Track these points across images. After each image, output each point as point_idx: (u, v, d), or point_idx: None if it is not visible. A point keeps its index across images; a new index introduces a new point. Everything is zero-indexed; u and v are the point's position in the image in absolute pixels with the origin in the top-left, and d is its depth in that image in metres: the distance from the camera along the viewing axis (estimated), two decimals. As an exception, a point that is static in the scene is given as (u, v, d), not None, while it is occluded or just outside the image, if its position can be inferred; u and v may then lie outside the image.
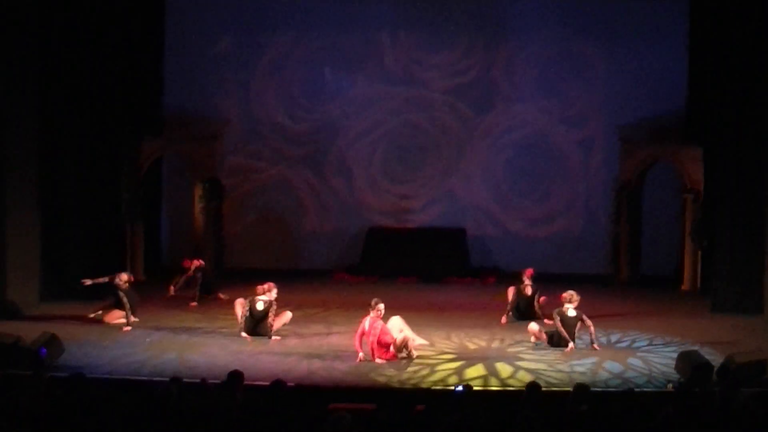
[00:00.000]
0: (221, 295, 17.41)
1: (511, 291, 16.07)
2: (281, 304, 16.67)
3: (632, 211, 19.97)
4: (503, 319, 15.83)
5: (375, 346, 13.17)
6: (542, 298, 16.03)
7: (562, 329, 14.06)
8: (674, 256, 19.97)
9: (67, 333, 14.09)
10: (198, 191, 20.29)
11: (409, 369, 12.93)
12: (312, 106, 20.90)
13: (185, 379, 10.55)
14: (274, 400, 9.18)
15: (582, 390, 9.94)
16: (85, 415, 8.34)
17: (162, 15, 19.60)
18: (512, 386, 12.11)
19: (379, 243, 20.32)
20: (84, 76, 17.13)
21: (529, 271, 16.14)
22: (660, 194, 20.29)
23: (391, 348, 13.28)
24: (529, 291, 16.03)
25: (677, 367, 12.54)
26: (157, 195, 20.65)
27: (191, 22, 20.59)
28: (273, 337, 14.42)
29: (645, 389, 11.91)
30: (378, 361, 13.10)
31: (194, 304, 16.96)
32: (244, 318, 14.58)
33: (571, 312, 14.16)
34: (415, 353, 13.44)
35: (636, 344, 14.47)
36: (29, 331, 13.54)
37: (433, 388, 11.99)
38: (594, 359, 13.49)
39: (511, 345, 14.38)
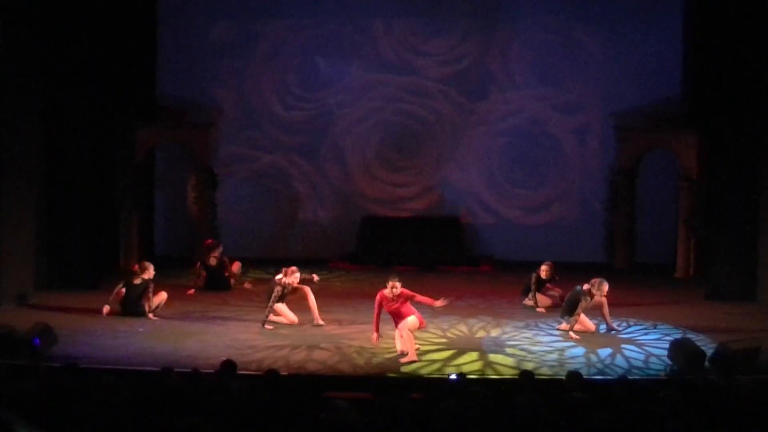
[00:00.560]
0: (247, 285, 17.39)
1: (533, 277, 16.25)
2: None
3: (627, 198, 19.97)
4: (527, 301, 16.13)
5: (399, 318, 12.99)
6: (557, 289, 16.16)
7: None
8: (669, 243, 19.98)
9: (62, 322, 14.09)
10: (192, 180, 20.27)
11: (402, 358, 12.94)
12: (307, 94, 20.87)
13: (178, 369, 10.56)
14: (269, 389, 9.18)
15: (575, 377, 9.96)
16: (79, 405, 8.34)
17: (156, 3, 19.59)
18: (507, 374, 12.12)
19: (374, 231, 20.32)
20: (79, 64, 17.09)
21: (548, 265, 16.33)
22: (655, 182, 20.29)
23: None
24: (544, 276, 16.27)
25: (670, 355, 12.55)
26: (151, 184, 20.61)
27: (186, 11, 20.55)
28: (267, 327, 14.44)
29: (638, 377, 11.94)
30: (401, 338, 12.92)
31: (192, 292, 16.98)
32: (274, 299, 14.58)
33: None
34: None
35: (630, 331, 14.49)
36: (23, 321, 13.52)
37: (429, 376, 12.00)
38: (585, 345, 13.53)
39: (505, 333, 14.38)
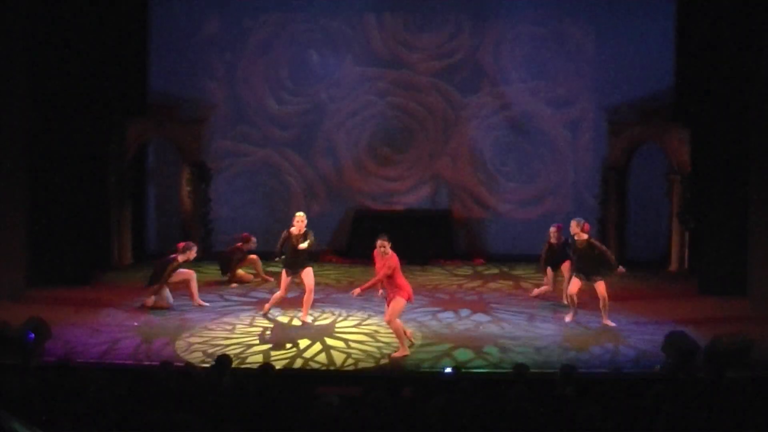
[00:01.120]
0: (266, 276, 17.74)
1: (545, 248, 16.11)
2: (267, 286, 16.70)
3: (619, 192, 19.99)
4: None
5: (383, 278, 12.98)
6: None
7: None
8: (661, 237, 20.01)
9: (54, 318, 14.07)
10: (185, 175, 20.24)
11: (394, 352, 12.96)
12: (298, 88, 20.83)
13: (174, 363, 10.57)
14: (263, 384, 9.18)
15: (568, 372, 9.97)
16: (73, 400, 8.34)
17: (147, -3, 19.58)
18: (502, 369, 12.15)
19: (366, 226, 20.29)
20: (69, 59, 17.05)
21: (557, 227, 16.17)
22: (647, 175, 20.30)
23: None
24: (554, 240, 16.07)
25: (664, 349, 12.58)
26: (143, 179, 20.57)
27: (177, 5, 20.49)
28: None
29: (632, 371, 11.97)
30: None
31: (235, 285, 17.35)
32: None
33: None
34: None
35: (623, 326, 14.51)
36: (16, 317, 13.50)
37: (420, 371, 12.02)
38: (577, 339, 13.55)
39: (495, 326, 14.39)
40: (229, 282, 17.55)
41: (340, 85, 20.77)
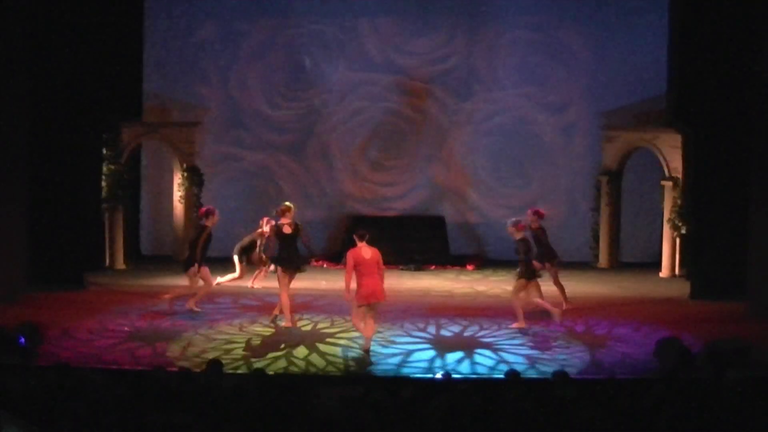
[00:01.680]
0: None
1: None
2: (263, 291, 16.68)
3: (613, 197, 20.04)
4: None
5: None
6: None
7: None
8: (654, 242, 20.06)
9: (47, 321, 14.04)
10: (178, 178, 20.23)
11: (389, 357, 12.97)
12: (293, 93, 20.84)
13: (167, 368, 10.56)
14: (260, 387, 9.18)
15: (562, 377, 9.99)
16: (69, 404, 8.32)
17: (143, 2, 19.55)
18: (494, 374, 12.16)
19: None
20: (65, 63, 17.06)
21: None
22: (640, 181, 20.37)
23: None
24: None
25: (657, 354, 12.60)
26: (137, 182, 20.55)
27: (172, 9, 20.50)
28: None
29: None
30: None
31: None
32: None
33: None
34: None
35: (615, 330, 14.53)
36: (9, 320, 13.47)
37: (416, 375, 12.03)
38: (571, 344, 13.57)
39: (487, 333, 14.40)
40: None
41: (333, 90, 20.79)
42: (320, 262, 19.79)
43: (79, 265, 17.33)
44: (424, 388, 9.57)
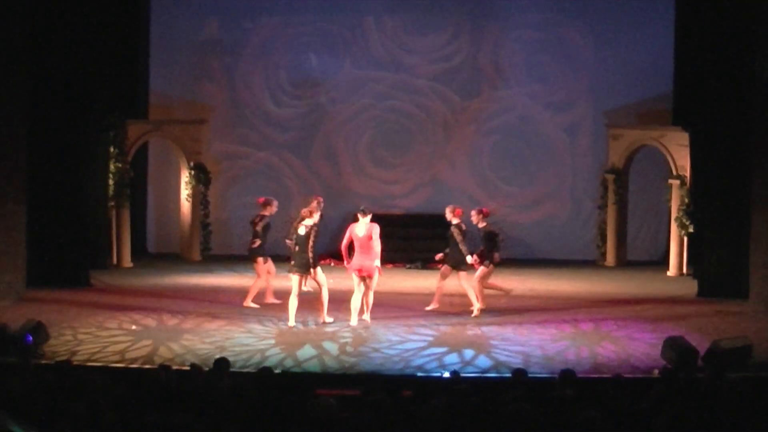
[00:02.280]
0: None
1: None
2: (267, 289, 16.67)
3: (619, 196, 20.00)
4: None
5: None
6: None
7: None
8: (661, 241, 20.01)
9: (53, 319, 14.06)
10: (184, 177, 20.25)
11: (394, 355, 12.96)
12: (298, 91, 20.85)
13: (173, 366, 10.55)
14: (261, 387, 9.18)
15: (568, 375, 9.96)
16: (72, 402, 8.32)
17: (148, 0, 19.57)
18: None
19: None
20: (70, 61, 17.05)
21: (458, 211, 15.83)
22: (646, 179, 20.33)
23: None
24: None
25: (663, 353, 12.57)
26: (143, 181, 20.58)
27: (177, 7, 20.54)
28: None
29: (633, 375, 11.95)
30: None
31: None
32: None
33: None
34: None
35: (622, 329, 14.49)
36: (15, 318, 13.49)
37: (420, 374, 12.01)
38: (577, 343, 13.54)
39: (490, 331, 14.38)
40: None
41: (339, 88, 20.79)
42: (327, 260, 19.76)
43: (84, 264, 17.34)
44: (426, 387, 9.57)
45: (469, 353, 13.09)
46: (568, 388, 9.40)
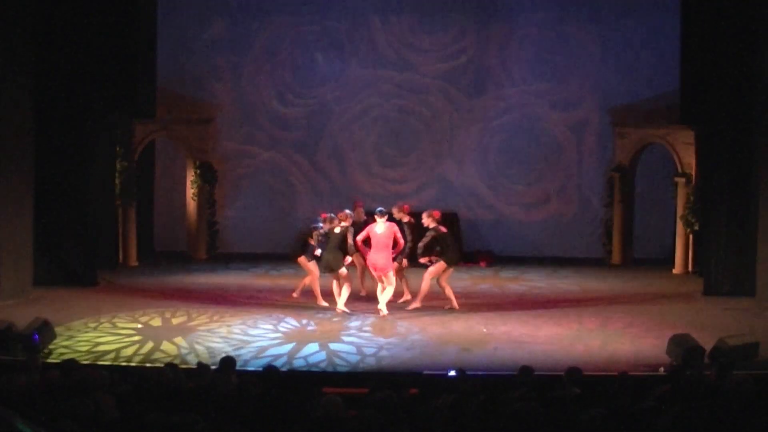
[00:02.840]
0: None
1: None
2: (273, 287, 16.72)
3: (625, 194, 20.00)
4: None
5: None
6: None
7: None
8: (667, 239, 20.00)
9: (60, 318, 14.09)
10: (191, 175, 20.28)
11: (403, 354, 12.98)
12: (304, 90, 20.87)
13: (179, 365, 10.57)
14: (268, 385, 9.19)
15: (574, 373, 9.96)
16: (78, 400, 8.34)
17: (155, -1, 19.60)
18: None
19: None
20: (77, 60, 17.08)
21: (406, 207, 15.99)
22: (652, 177, 20.33)
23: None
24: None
25: (669, 350, 12.56)
26: (150, 179, 20.61)
27: (184, 6, 20.58)
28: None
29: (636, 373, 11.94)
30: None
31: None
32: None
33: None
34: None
35: (628, 327, 14.49)
36: (22, 317, 13.52)
37: (426, 372, 12.02)
38: (583, 341, 13.53)
39: (496, 329, 14.39)
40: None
41: (345, 87, 20.80)
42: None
43: (91, 262, 17.37)
44: (432, 385, 9.58)
45: (474, 351, 13.11)
46: (574, 386, 9.40)
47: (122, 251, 19.16)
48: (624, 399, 8.82)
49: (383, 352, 13.04)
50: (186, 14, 20.58)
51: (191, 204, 20.30)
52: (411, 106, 20.85)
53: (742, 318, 15.00)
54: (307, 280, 15.71)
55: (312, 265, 15.57)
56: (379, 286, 15.10)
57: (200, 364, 10.38)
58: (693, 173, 18.74)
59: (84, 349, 12.92)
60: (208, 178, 20.22)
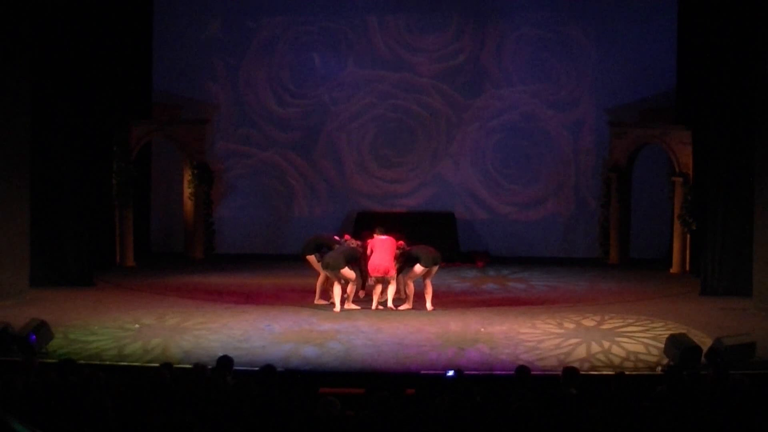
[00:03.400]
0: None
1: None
2: (270, 288, 16.70)
3: (622, 194, 20.00)
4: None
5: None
6: None
7: None
8: (664, 239, 20.00)
9: (56, 319, 14.08)
10: (187, 176, 20.27)
11: (399, 353, 12.98)
12: (301, 90, 20.85)
13: (175, 365, 10.56)
14: (265, 385, 9.19)
15: (571, 373, 9.97)
16: (75, 401, 8.34)
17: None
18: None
19: (368, 227, 20.27)
20: (73, 60, 17.07)
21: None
22: (649, 177, 20.32)
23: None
24: None
25: (666, 350, 12.57)
26: (146, 180, 20.59)
27: (180, 6, 20.55)
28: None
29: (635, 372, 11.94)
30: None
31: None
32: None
33: None
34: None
35: (624, 327, 14.49)
36: (18, 318, 13.51)
37: (423, 372, 12.02)
38: (580, 341, 13.54)
39: (493, 328, 14.39)
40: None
41: (342, 87, 20.79)
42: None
43: (88, 263, 17.36)
44: (430, 385, 9.58)
45: (471, 350, 13.11)
46: (572, 385, 9.41)
47: (119, 252, 19.13)
48: (621, 399, 8.83)
49: (380, 353, 13.02)
50: (182, 14, 20.55)
51: (188, 204, 20.28)
52: (408, 106, 20.84)
53: (739, 318, 15.01)
54: (320, 281, 15.83)
55: (320, 266, 15.74)
56: (377, 288, 15.44)
57: (197, 364, 10.36)
58: (690, 173, 18.74)
59: (81, 349, 12.90)
60: (204, 178, 20.20)
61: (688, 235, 18.80)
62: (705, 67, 17.19)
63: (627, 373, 11.60)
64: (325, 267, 15.44)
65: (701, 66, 17.39)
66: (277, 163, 20.95)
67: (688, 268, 18.87)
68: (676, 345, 12.41)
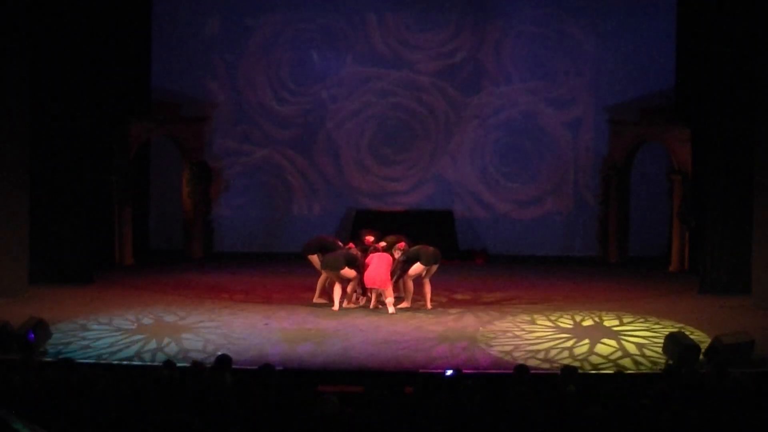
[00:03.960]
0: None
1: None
2: (269, 286, 16.69)
3: (620, 192, 20.00)
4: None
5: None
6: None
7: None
8: (663, 237, 20.01)
9: (55, 317, 14.08)
10: (186, 174, 20.26)
11: (398, 351, 12.98)
12: (300, 88, 20.85)
13: (175, 363, 10.56)
14: (263, 384, 9.19)
15: (570, 371, 9.98)
16: (73, 400, 8.34)
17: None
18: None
19: (367, 225, 20.27)
20: (72, 58, 17.03)
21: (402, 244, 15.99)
22: (648, 175, 20.33)
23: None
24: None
25: (665, 348, 12.58)
26: (145, 178, 20.58)
27: (179, 4, 20.54)
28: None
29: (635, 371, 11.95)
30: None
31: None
32: None
33: None
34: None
35: (623, 325, 14.50)
36: (17, 316, 13.50)
37: (422, 370, 12.02)
38: (579, 339, 13.55)
39: (491, 326, 14.39)
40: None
41: (341, 84, 20.79)
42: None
43: (86, 261, 17.35)
44: (428, 384, 9.58)
45: (470, 348, 13.12)
46: (570, 384, 9.42)
47: (118, 250, 19.13)
48: (620, 397, 8.84)
49: (379, 351, 13.03)
50: (181, 12, 20.54)
51: (187, 202, 20.27)
52: (406, 103, 20.84)
53: (738, 316, 15.01)
54: (321, 280, 15.84)
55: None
56: (374, 298, 15.58)
57: (195, 363, 10.37)
58: (689, 171, 18.74)
59: (79, 347, 12.90)
60: (203, 176, 20.20)
61: (687, 233, 18.81)
62: (704, 66, 17.19)
63: (625, 371, 11.63)
64: (325, 267, 15.46)
65: (700, 64, 17.40)
66: (276, 161, 20.95)
67: (686, 266, 18.88)
68: (675, 343, 12.41)
